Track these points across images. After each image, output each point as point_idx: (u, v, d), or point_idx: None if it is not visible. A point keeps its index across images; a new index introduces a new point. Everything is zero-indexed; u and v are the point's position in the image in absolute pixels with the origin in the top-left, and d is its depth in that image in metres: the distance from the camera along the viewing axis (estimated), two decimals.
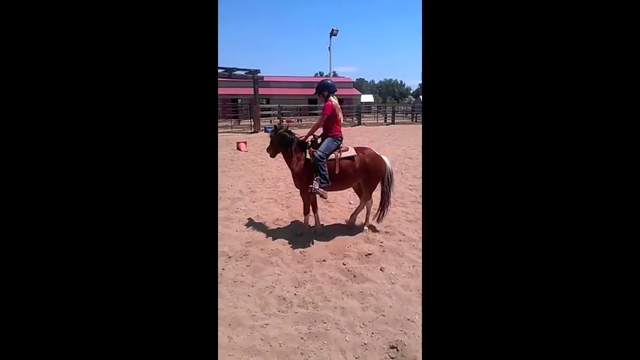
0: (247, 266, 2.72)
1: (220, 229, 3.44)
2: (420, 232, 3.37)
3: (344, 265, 2.71)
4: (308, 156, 3.19)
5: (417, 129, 15.58)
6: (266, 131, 14.57)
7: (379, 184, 3.39)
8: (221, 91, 20.00)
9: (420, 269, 2.64)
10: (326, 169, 3.09)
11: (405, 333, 1.92)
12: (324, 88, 3.29)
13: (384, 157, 3.38)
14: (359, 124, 18.82)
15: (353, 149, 3.29)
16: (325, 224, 3.60)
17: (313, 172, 3.10)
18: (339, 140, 3.24)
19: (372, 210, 3.49)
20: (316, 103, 25.57)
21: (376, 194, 3.46)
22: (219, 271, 2.64)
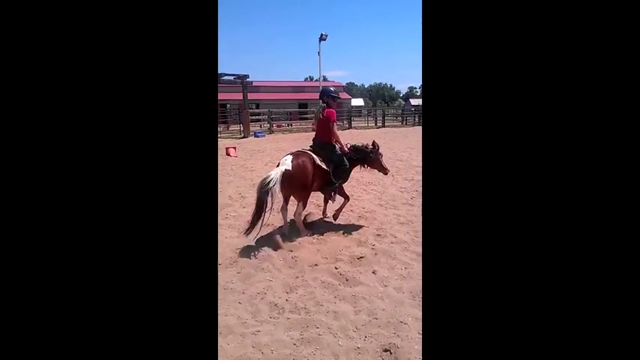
0: (238, 273, 2.67)
1: None
2: (412, 234, 3.38)
3: (336, 268, 2.69)
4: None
5: (407, 132, 15.76)
6: (256, 136, 14.54)
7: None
8: None
9: (411, 271, 2.65)
10: None
11: (398, 336, 1.90)
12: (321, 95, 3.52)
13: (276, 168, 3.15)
14: (350, 127, 18.92)
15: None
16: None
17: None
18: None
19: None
20: (307, 107, 25.69)
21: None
22: None
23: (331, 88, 3.56)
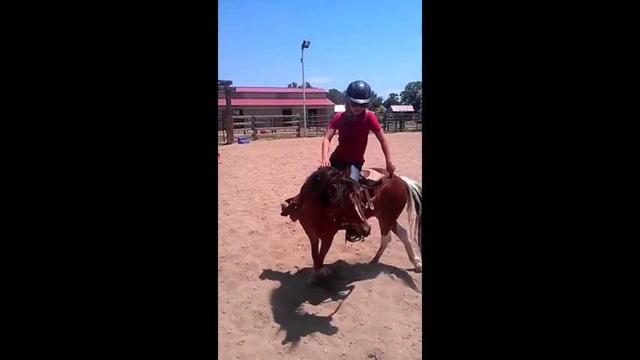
0: (222, 282, 2.64)
1: None
2: (394, 238, 3.43)
3: (321, 274, 2.69)
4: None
5: (388, 138, 16.00)
6: (240, 142, 14.40)
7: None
8: None
9: (395, 276, 2.69)
10: None
11: (382, 341, 1.93)
12: (347, 92, 2.45)
13: (404, 179, 2.76)
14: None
15: (375, 172, 2.57)
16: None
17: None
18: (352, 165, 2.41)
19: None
20: (290, 114, 25.71)
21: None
22: None
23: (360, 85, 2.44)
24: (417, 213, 2.71)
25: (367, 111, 2.56)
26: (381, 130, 2.59)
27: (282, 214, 2.65)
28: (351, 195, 1.97)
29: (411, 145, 11.41)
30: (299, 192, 2.53)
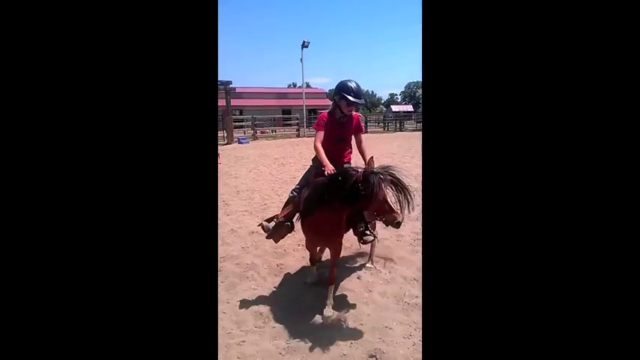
0: (222, 282, 2.64)
1: None
2: (394, 238, 3.43)
3: (321, 275, 2.69)
4: None
5: (387, 138, 16.03)
6: (240, 143, 14.41)
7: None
8: None
9: (395, 275, 2.69)
10: None
11: (383, 341, 1.92)
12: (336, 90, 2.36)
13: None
14: None
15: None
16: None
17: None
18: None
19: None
20: (290, 114, 25.73)
21: None
22: None
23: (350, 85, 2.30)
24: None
25: (354, 112, 2.49)
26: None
27: (268, 237, 2.43)
28: (383, 185, 1.82)
29: (411, 145, 11.41)
30: (282, 210, 2.46)
